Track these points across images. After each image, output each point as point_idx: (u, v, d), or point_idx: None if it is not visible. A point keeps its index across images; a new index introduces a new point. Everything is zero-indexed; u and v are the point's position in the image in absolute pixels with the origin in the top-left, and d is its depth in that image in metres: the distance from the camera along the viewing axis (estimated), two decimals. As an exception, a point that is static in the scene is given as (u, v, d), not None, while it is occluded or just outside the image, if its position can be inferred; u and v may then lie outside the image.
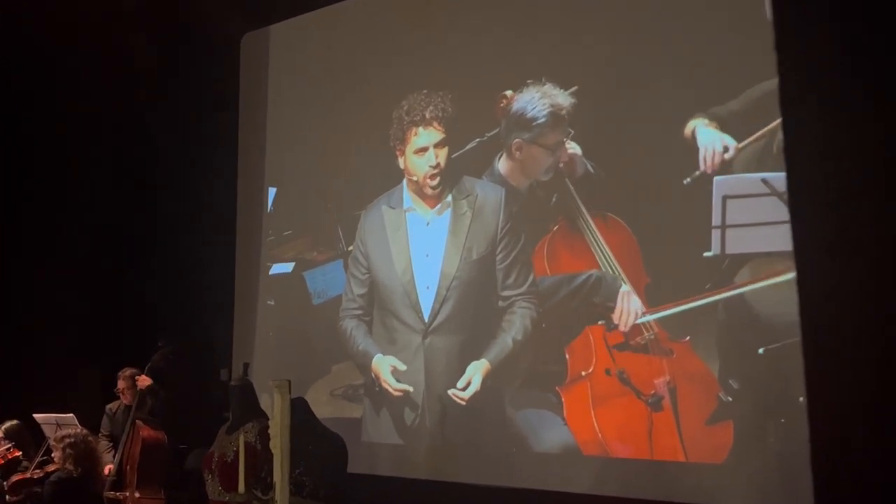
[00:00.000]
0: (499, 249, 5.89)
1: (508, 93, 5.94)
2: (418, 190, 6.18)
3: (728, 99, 5.11)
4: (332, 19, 7.09)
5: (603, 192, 5.59)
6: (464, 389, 5.84)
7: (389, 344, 6.22)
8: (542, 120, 5.76)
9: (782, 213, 4.87)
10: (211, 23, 7.22)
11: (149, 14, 7.27)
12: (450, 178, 6.15)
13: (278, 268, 7.23)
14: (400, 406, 6.15)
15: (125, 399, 6.36)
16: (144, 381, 6.18)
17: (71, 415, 6.26)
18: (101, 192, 7.77)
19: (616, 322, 5.39)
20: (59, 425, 6.09)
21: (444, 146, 6.12)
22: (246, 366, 5.03)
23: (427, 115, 6.11)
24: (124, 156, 7.77)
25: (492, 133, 6.05)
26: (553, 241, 5.77)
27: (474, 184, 6.07)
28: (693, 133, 5.20)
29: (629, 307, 5.37)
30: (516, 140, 5.85)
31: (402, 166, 6.27)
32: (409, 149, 6.19)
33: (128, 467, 6.02)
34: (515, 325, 5.78)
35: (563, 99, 5.70)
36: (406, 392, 6.08)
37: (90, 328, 7.46)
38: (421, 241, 6.18)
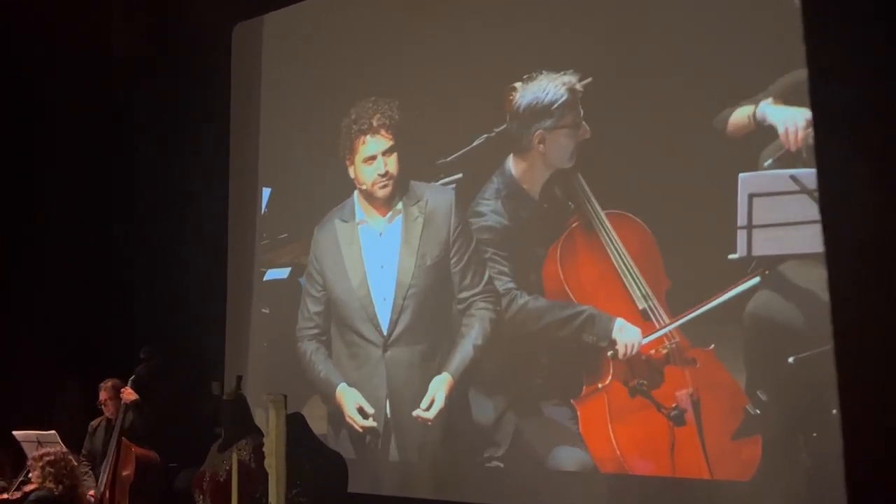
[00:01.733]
0: (452, 252, 6.11)
1: (518, 85, 5.94)
2: (369, 197, 6.45)
3: (758, 89, 5.11)
4: (330, 6, 7.10)
5: (619, 190, 5.58)
6: (427, 409, 6.04)
7: (350, 359, 6.42)
8: (562, 100, 5.79)
9: (813, 212, 4.86)
10: (200, 12, 7.24)
11: (134, 2, 7.30)
12: (400, 187, 6.40)
13: (273, 273, 7.24)
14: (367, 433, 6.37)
15: (107, 411, 6.34)
16: (129, 394, 6.17)
17: (53, 432, 6.25)
18: (83, 194, 7.78)
19: (621, 353, 5.44)
20: (39, 443, 6.09)
21: (392, 153, 6.39)
22: (239, 378, 5.03)
23: (374, 123, 6.39)
24: (107, 154, 7.78)
25: (500, 128, 6.04)
26: (567, 244, 5.77)
27: (423, 189, 6.30)
28: (752, 117, 5.14)
29: (629, 339, 5.44)
30: (538, 131, 5.86)
31: (352, 176, 6.54)
32: (358, 158, 6.47)
33: (116, 489, 6.01)
34: (474, 329, 5.97)
35: (570, 78, 5.76)
36: (371, 426, 6.30)
37: (73, 339, 7.46)
38: (375, 252, 6.42)
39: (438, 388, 6.04)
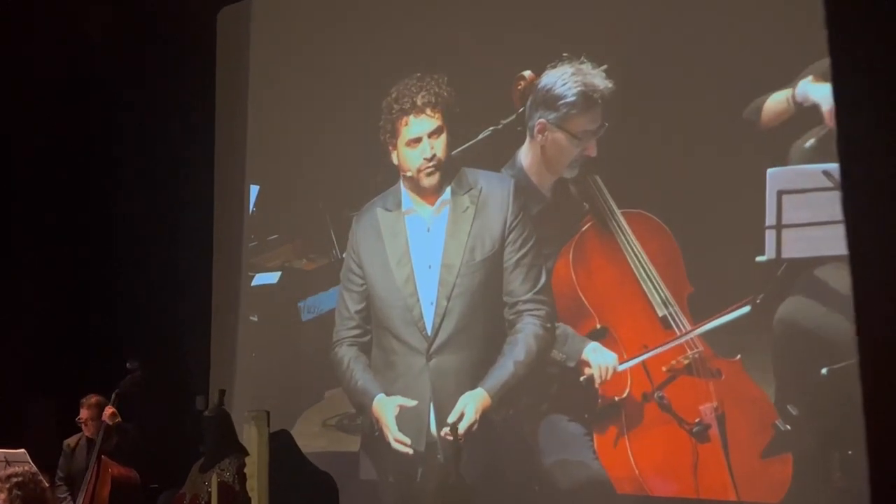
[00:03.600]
0: (507, 247, 5.90)
1: (527, 73, 5.92)
2: (415, 186, 6.18)
3: (791, 76, 5.11)
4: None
5: (637, 187, 5.58)
6: (456, 424, 5.79)
7: (387, 368, 6.20)
8: (571, 99, 5.76)
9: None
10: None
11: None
12: (451, 172, 6.14)
13: (262, 278, 7.22)
14: (396, 455, 6.12)
15: (87, 431, 6.33)
16: (112, 416, 6.15)
17: (23, 450, 6.22)
18: (56, 191, 7.76)
19: (597, 381, 5.46)
20: (8, 462, 6.07)
21: (439, 134, 6.12)
22: (222, 393, 5.02)
23: (419, 102, 6.11)
24: (82, 152, 7.76)
25: (508, 119, 6.03)
26: (580, 246, 5.76)
27: (477, 176, 6.08)
28: (791, 100, 5.11)
29: (603, 361, 5.47)
30: (540, 120, 5.84)
31: (395, 162, 6.26)
32: (401, 141, 6.19)
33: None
34: (518, 345, 5.79)
35: (599, 80, 5.70)
36: (405, 445, 6.00)
37: (46, 350, 7.45)
38: (422, 248, 6.17)
39: (469, 402, 5.82)
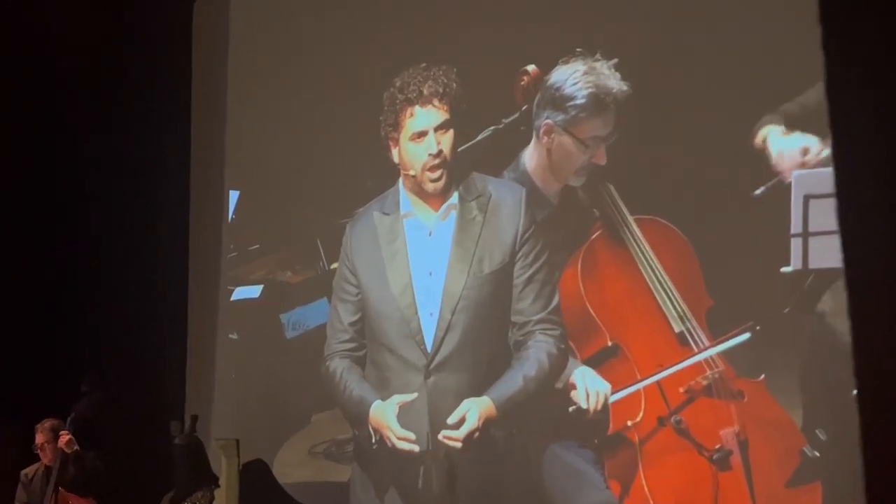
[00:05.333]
0: (517, 261, 5.84)
1: (530, 68, 5.91)
2: (416, 188, 6.10)
3: (800, 91, 5.20)
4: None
5: (652, 192, 5.61)
6: (457, 427, 5.68)
7: (381, 387, 6.07)
8: (580, 101, 5.75)
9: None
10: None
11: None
12: (457, 174, 6.07)
13: (242, 292, 7.20)
14: (398, 465, 6.05)
15: (44, 458, 6.33)
16: (70, 443, 6.11)
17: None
18: (18, 198, 7.71)
19: (584, 406, 5.47)
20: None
21: (447, 129, 6.02)
22: (194, 419, 5.01)
23: (425, 92, 5.99)
24: (46, 151, 7.72)
25: (510, 118, 6.02)
26: (590, 255, 5.75)
27: (486, 182, 6.02)
28: (765, 142, 5.30)
29: (594, 386, 5.47)
30: (547, 121, 5.82)
31: (395, 160, 6.19)
32: (404, 135, 6.09)
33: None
34: (529, 360, 5.73)
35: (614, 82, 5.69)
36: (410, 441, 5.86)
37: (5, 371, 7.40)
38: (423, 255, 6.08)
39: (472, 408, 5.72)
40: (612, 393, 5.46)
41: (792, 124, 5.23)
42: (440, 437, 5.76)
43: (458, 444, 5.69)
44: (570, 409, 5.53)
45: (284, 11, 7.21)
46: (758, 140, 5.33)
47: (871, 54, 4.74)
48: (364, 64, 6.68)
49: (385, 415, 5.90)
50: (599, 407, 5.44)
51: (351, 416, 6.20)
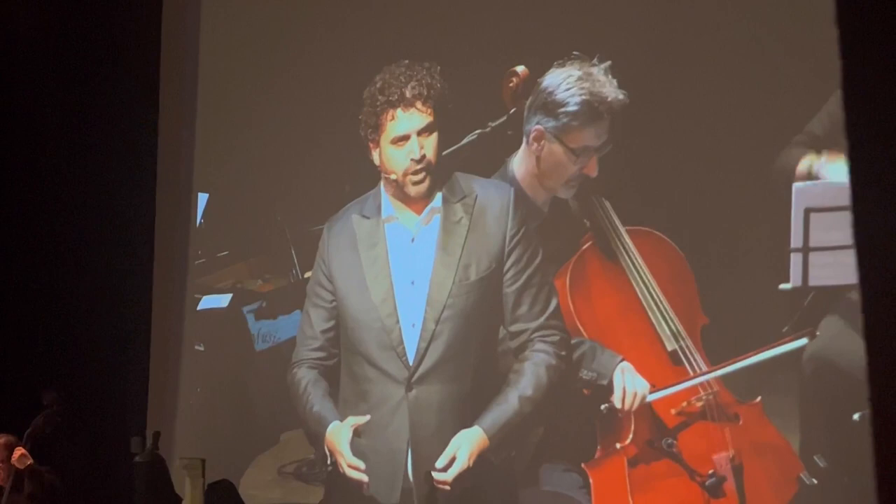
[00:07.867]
0: (507, 266, 5.82)
1: (520, 69, 5.93)
2: (398, 192, 6.10)
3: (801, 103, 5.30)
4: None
5: (645, 204, 5.64)
6: (445, 469, 5.65)
7: (359, 400, 6.04)
8: (572, 108, 5.76)
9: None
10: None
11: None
12: (441, 178, 6.07)
13: (210, 301, 7.20)
14: (375, 484, 6.00)
15: (-1, 476, 6.32)
16: (22, 458, 6.11)
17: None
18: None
19: (619, 405, 5.46)
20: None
21: (430, 132, 6.00)
22: (156, 435, 4.97)
23: (408, 94, 5.98)
24: (2, 150, 7.71)
25: (497, 122, 6.05)
26: (579, 268, 5.78)
27: (471, 182, 6.00)
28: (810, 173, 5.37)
29: (632, 386, 5.45)
30: (537, 127, 5.84)
31: (376, 162, 6.22)
32: (385, 138, 6.09)
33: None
34: (525, 377, 5.70)
35: (610, 90, 5.71)
36: (359, 471, 5.82)
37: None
38: (405, 262, 6.06)
39: (462, 445, 5.69)
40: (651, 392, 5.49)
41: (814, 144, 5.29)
42: (434, 479, 5.68)
43: (447, 488, 5.65)
44: (602, 406, 5.53)
45: (258, 6, 7.22)
46: (801, 168, 5.34)
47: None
48: (342, 61, 6.66)
49: (339, 438, 5.88)
50: (635, 408, 5.44)
51: (310, 433, 6.17)
